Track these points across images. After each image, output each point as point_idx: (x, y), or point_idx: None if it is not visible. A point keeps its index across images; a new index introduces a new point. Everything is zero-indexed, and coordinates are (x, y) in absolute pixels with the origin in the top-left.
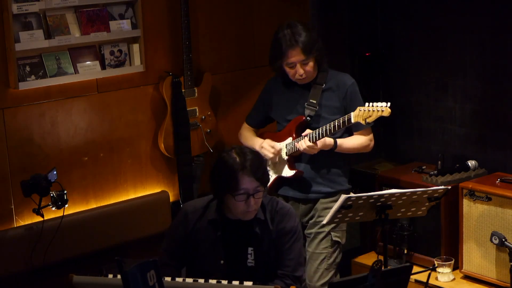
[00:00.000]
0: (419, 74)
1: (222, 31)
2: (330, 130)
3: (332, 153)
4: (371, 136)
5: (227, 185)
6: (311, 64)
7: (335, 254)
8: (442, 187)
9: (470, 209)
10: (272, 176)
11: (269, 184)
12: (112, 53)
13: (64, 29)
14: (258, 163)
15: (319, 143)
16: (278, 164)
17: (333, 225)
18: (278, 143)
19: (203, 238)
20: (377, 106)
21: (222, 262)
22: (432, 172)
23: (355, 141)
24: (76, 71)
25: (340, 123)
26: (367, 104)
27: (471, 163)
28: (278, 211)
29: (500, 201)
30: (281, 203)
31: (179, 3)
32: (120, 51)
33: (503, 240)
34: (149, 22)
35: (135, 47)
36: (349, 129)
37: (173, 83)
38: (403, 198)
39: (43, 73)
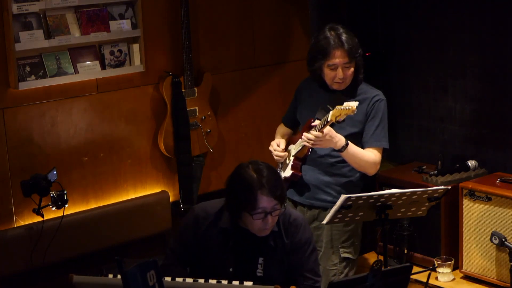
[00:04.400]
0: (419, 74)
1: (222, 31)
2: (323, 124)
3: (341, 161)
4: (379, 158)
5: (244, 203)
6: (352, 69)
7: (346, 270)
8: (442, 187)
9: (470, 209)
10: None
11: None
12: (112, 53)
13: (64, 29)
14: (275, 180)
15: (325, 131)
16: (285, 164)
17: (342, 239)
18: (293, 145)
19: (214, 245)
20: (347, 104)
21: (231, 270)
22: (432, 172)
23: (364, 154)
24: (76, 71)
25: (323, 121)
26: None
27: (471, 163)
28: (291, 222)
29: (500, 201)
30: (294, 215)
31: (179, 3)
32: (120, 51)
33: (503, 240)
34: (149, 22)
35: (135, 47)
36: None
37: (173, 83)
38: (403, 198)
39: (43, 73)
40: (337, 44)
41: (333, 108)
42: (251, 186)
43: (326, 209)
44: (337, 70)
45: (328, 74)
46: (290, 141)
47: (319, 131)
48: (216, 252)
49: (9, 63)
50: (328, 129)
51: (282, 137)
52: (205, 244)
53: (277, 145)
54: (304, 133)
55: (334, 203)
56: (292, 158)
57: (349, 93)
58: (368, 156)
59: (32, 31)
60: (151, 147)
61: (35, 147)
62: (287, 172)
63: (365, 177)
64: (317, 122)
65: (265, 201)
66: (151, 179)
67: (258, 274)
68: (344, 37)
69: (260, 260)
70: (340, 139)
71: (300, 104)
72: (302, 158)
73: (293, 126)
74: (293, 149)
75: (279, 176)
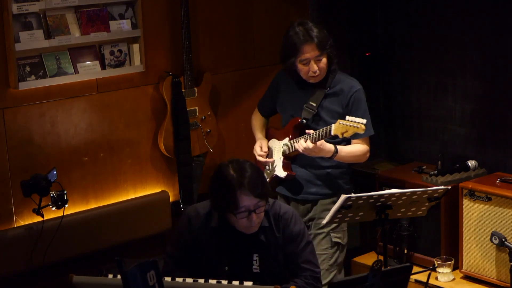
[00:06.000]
0: (419, 74)
1: (222, 31)
2: (322, 136)
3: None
4: (369, 145)
5: (227, 204)
6: (324, 60)
7: (335, 255)
8: (442, 187)
9: (470, 209)
10: (270, 175)
11: None
12: (112, 53)
13: (64, 29)
14: (256, 178)
15: (318, 144)
16: (273, 163)
17: (333, 226)
18: (277, 142)
19: (207, 244)
20: (354, 121)
21: (226, 268)
22: (432, 172)
23: (354, 149)
24: (76, 71)
25: (322, 133)
26: (347, 117)
27: (471, 163)
28: (282, 216)
29: (500, 201)
30: (284, 208)
31: (179, 3)
32: (120, 51)
33: (503, 240)
34: (149, 22)
35: (135, 47)
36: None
37: (173, 83)
38: (403, 198)
39: (43, 73)
40: (306, 38)
41: (312, 106)
42: (230, 186)
43: (317, 201)
44: (310, 64)
45: (302, 69)
46: (270, 134)
47: (313, 142)
48: (210, 252)
49: (9, 63)
50: (320, 142)
51: (261, 131)
52: (200, 245)
53: (260, 148)
54: (301, 142)
55: (326, 194)
56: (281, 157)
57: (325, 85)
58: (357, 150)
59: (32, 31)
60: (151, 147)
61: (35, 147)
62: (280, 173)
63: (365, 176)
64: (310, 131)
65: (246, 200)
66: (151, 179)
67: (255, 271)
68: (312, 31)
69: (255, 256)
70: (329, 150)
71: (280, 97)
72: (291, 157)
73: (269, 115)
74: (281, 147)
75: (261, 173)
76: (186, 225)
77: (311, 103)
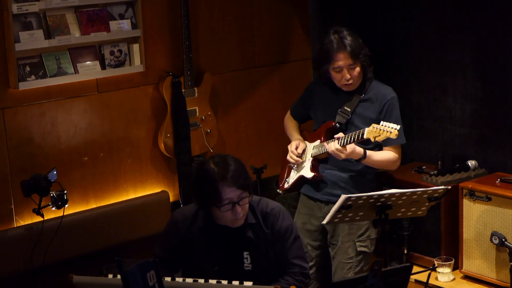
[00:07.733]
0: (419, 74)
1: (222, 31)
2: (354, 139)
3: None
4: (399, 154)
5: (210, 198)
6: (357, 69)
7: (361, 264)
8: (442, 187)
9: (470, 209)
10: (296, 175)
11: (292, 182)
12: (112, 53)
13: (64, 29)
14: (238, 170)
15: (348, 148)
16: (301, 163)
17: (359, 234)
18: (308, 144)
19: (196, 246)
20: (387, 126)
21: (216, 268)
22: (432, 172)
23: (384, 156)
24: (76, 71)
25: (355, 136)
26: (381, 122)
27: (471, 163)
28: (269, 212)
29: (500, 201)
30: (271, 204)
31: (179, 3)
32: (120, 51)
33: (503, 240)
34: (149, 22)
35: (135, 47)
36: (380, 144)
37: (173, 83)
38: (403, 198)
39: (43, 73)
40: (339, 47)
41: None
42: (212, 179)
43: None
44: (343, 72)
45: (335, 76)
46: (303, 137)
47: (343, 146)
48: (199, 253)
49: (9, 63)
50: (350, 146)
51: (298, 132)
52: (188, 247)
53: (295, 147)
54: (332, 144)
55: None
56: (310, 159)
57: (360, 92)
58: (388, 157)
59: (32, 31)
60: (151, 147)
61: (35, 147)
62: (307, 174)
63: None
64: (340, 134)
65: (229, 192)
66: (151, 179)
67: (246, 269)
68: (346, 39)
69: (245, 254)
70: (358, 153)
71: (313, 104)
72: (320, 159)
73: (302, 121)
74: (311, 149)
75: (243, 165)
76: (172, 229)
77: (345, 108)
